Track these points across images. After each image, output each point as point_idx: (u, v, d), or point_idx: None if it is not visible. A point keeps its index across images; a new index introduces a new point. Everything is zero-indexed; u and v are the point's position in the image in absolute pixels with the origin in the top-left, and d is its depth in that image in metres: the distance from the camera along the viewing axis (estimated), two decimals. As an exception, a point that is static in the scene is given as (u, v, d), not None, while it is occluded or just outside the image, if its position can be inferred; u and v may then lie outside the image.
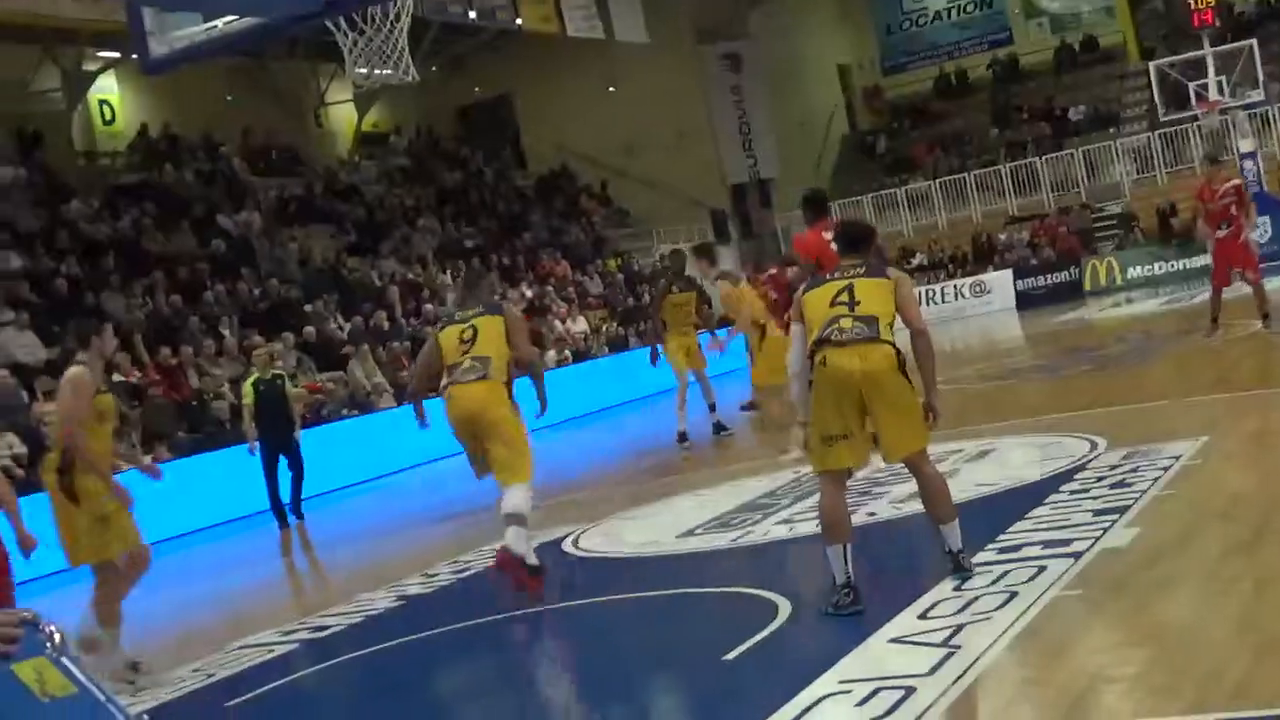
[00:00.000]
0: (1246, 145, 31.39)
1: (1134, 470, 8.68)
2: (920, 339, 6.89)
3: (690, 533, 9.77)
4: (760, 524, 9.47)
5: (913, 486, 8.39)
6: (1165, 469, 8.53)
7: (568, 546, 10.18)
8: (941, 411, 6.84)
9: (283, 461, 16.10)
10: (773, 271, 16.28)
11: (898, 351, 6.71)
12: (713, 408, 16.09)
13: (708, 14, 39.29)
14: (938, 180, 39.23)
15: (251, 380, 16.26)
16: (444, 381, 9.12)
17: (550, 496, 12.19)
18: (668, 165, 38.22)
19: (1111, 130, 39.26)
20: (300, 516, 16.32)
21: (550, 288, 30.62)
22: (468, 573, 9.96)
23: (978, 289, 34.25)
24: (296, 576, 13.53)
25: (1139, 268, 32.93)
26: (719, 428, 15.93)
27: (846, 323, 6.77)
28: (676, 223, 37.11)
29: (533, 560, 8.60)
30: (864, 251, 7.13)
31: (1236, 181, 16.05)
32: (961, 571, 6.77)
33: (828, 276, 7.10)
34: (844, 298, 6.86)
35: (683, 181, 37.98)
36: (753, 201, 40.48)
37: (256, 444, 15.95)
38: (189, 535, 16.88)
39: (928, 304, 34.06)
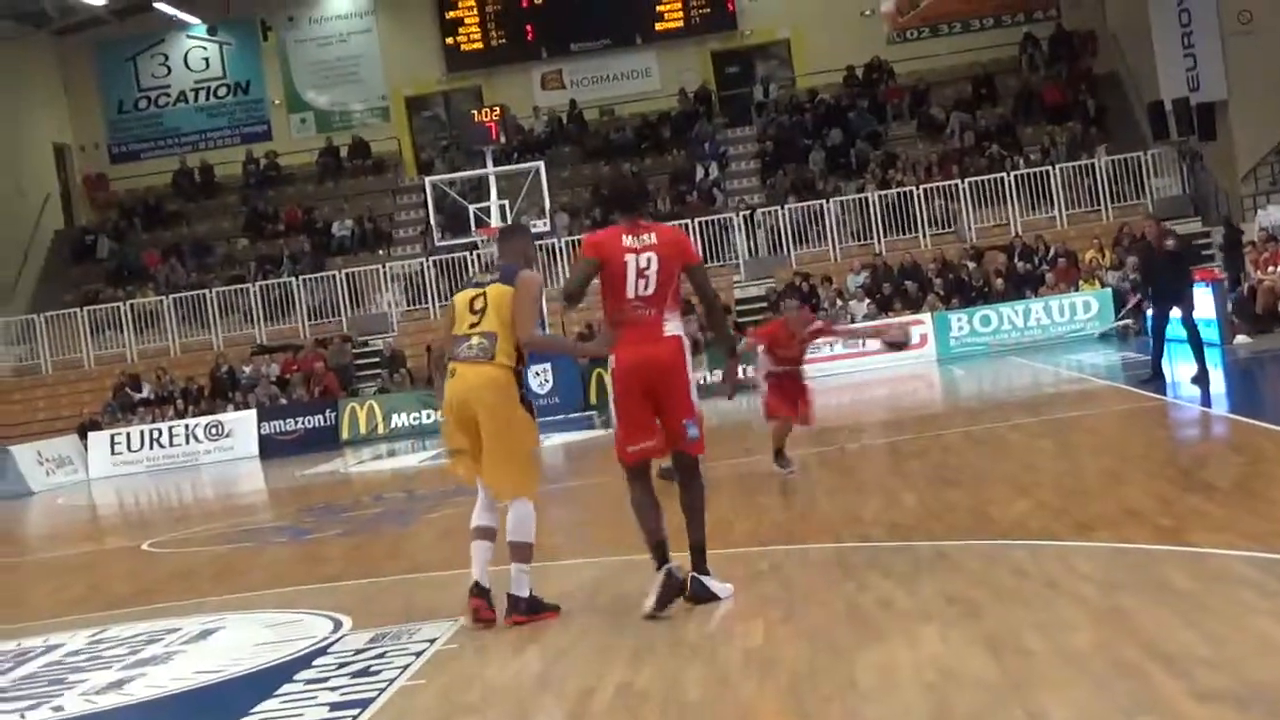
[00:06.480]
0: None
1: (381, 656, 8.96)
2: None
3: None
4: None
5: (113, 675, 8.31)
6: (418, 654, 8.86)
7: None
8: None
9: None
10: None
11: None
12: None
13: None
14: (172, 296, 39.16)
15: None
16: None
17: None
18: None
19: (381, 252, 40.74)
20: None
21: None
22: None
23: (214, 431, 34.25)
24: None
25: (404, 415, 34.03)
26: None
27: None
28: None
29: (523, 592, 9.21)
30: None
31: (820, 324, 17.57)
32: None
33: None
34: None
35: None
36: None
37: None
38: None
39: (150, 445, 33.77)
